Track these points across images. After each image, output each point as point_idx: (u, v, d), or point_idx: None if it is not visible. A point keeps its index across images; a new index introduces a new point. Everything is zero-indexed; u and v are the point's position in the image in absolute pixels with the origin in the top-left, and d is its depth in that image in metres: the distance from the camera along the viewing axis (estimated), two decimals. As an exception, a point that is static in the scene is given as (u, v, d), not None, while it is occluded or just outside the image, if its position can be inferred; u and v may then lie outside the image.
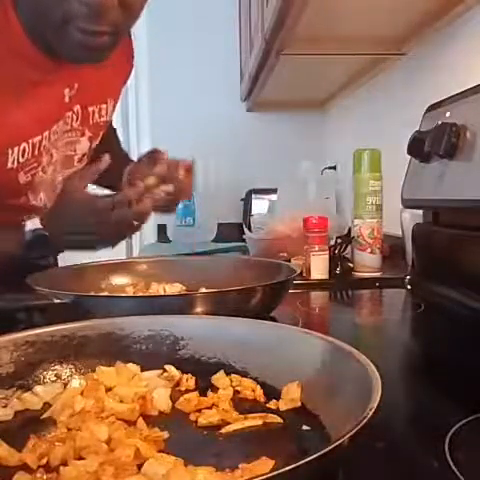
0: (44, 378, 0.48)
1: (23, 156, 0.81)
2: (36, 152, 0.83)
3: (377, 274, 1.11)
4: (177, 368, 0.49)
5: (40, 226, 0.80)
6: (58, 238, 0.81)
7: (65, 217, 0.81)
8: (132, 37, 0.95)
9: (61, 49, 0.74)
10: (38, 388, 0.46)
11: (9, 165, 0.79)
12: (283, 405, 0.43)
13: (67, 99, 0.84)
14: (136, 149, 2.45)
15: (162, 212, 0.92)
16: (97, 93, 0.91)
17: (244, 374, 0.48)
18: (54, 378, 0.48)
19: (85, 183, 0.81)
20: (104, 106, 0.93)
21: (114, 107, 0.98)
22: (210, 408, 0.43)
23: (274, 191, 1.70)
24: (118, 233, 0.81)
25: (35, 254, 0.81)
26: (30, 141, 0.81)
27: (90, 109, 0.90)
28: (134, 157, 2.74)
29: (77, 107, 0.87)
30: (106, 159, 0.79)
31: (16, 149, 0.79)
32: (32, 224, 0.80)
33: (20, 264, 0.81)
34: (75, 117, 0.88)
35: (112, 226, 0.78)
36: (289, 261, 1.10)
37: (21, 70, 0.77)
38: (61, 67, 0.80)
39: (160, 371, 0.49)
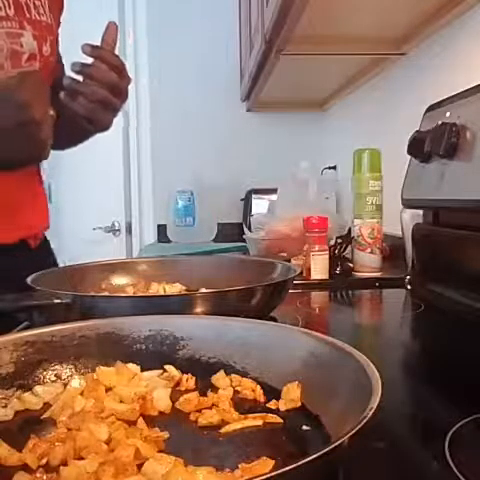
0: (44, 378, 0.48)
1: None
2: None
3: (377, 274, 1.11)
4: (177, 368, 0.49)
5: None
6: None
7: None
8: None
9: None
10: (38, 388, 0.46)
11: None
12: (283, 405, 0.43)
13: None
14: (136, 150, 2.46)
15: (93, 117, 0.82)
16: None
17: (244, 374, 0.48)
18: (54, 378, 0.48)
19: None
20: (38, 2, 0.88)
21: (55, 12, 0.93)
22: (210, 408, 0.43)
23: (274, 191, 1.70)
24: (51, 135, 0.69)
25: None
26: None
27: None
28: (134, 162, 2.72)
29: None
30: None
31: None
32: None
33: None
34: (6, 2, 0.82)
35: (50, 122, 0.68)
36: (289, 261, 1.10)
37: None
38: None
39: (160, 371, 0.49)
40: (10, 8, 0.82)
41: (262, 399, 0.45)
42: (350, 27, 1.31)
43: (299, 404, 0.43)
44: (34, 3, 0.87)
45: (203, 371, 0.49)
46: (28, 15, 0.86)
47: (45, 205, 1.05)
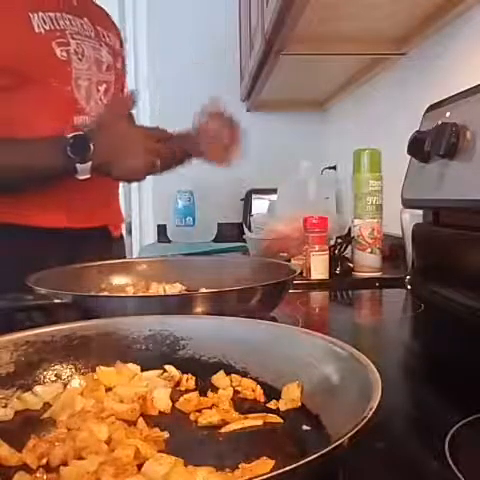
0: (44, 378, 0.48)
1: (45, 23, 0.98)
2: (57, 25, 1.00)
3: (377, 274, 1.11)
4: (177, 368, 0.49)
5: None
6: (101, 154, 0.91)
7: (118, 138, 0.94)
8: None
9: None
10: (38, 388, 0.46)
11: (36, 29, 0.96)
12: (283, 405, 0.43)
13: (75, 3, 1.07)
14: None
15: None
16: (94, 13, 1.12)
17: (244, 374, 0.48)
18: (54, 378, 0.48)
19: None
20: (110, 34, 1.15)
21: (120, 42, 1.19)
22: (210, 408, 0.43)
23: (274, 191, 1.70)
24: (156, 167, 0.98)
25: (76, 154, 0.90)
26: (47, 13, 0.99)
27: (98, 28, 1.11)
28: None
29: (86, 19, 1.07)
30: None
31: (36, 15, 0.97)
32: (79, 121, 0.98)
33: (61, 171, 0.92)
34: (89, 28, 1.08)
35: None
36: (289, 261, 1.10)
37: None
38: None
39: (160, 371, 0.49)
40: (92, 32, 1.09)
41: (262, 399, 0.45)
42: (350, 27, 1.30)
43: (299, 404, 0.43)
44: (107, 33, 1.14)
45: (203, 371, 0.49)
46: (103, 39, 1.13)
47: (119, 201, 1.29)
